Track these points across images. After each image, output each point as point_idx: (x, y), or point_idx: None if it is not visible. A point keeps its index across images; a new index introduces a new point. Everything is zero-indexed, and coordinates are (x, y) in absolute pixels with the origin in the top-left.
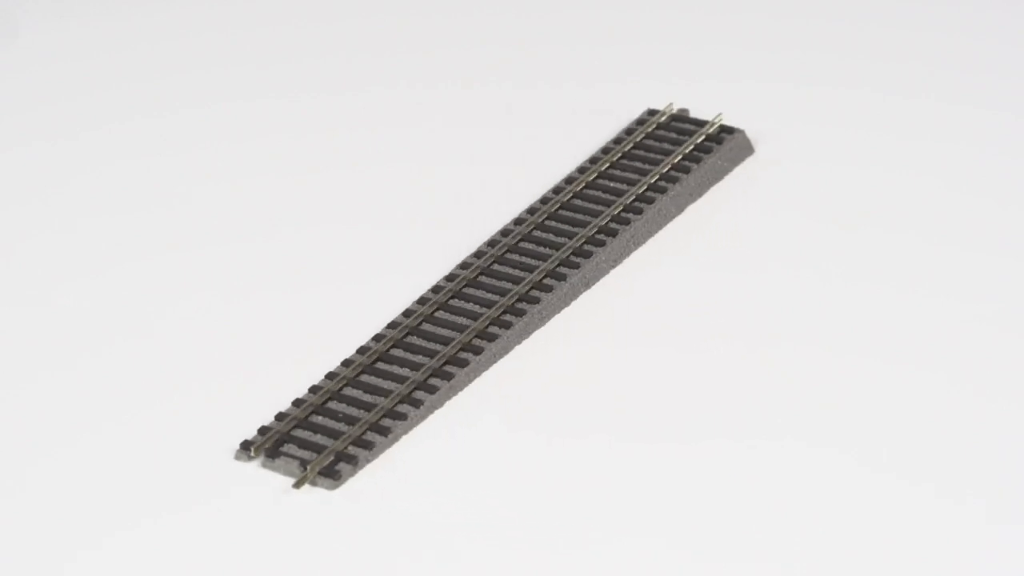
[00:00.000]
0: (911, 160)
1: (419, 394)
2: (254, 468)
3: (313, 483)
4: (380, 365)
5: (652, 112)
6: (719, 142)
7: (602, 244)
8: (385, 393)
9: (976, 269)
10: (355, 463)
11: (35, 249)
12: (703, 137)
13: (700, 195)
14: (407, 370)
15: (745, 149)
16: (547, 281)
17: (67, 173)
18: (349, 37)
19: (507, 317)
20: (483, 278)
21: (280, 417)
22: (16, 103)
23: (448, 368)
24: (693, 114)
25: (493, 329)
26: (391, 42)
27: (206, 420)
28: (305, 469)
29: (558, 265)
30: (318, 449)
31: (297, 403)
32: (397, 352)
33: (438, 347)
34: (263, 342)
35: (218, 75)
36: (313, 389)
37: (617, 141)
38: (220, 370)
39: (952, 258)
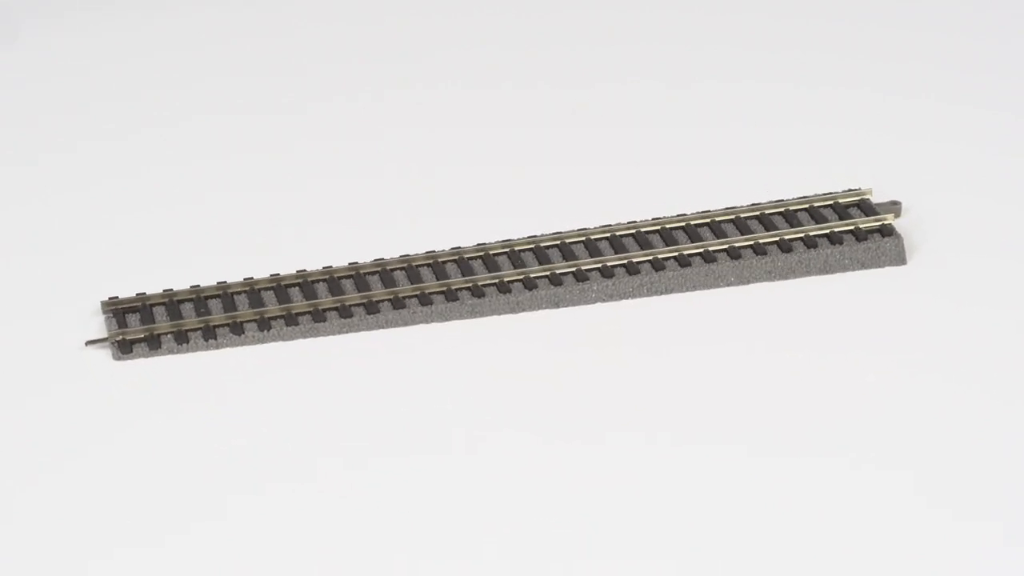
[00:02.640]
0: None
1: (276, 322)
2: (101, 322)
3: (111, 348)
4: (291, 291)
5: (852, 191)
6: (861, 239)
7: (609, 276)
8: (261, 306)
9: None
10: (156, 347)
11: (36, 256)
12: (848, 228)
13: (785, 278)
14: (302, 302)
15: (893, 257)
16: (513, 283)
17: (64, 175)
18: (351, 40)
19: (435, 296)
20: (474, 262)
21: (165, 292)
22: (15, 105)
23: (327, 313)
24: (911, 203)
25: (409, 300)
26: (393, 45)
27: None
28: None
29: (543, 276)
30: (148, 322)
31: (192, 288)
32: (319, 286)
33: (351, 297)
34: None
35: (221, 78)
36: (220, 284)
37: (777, 202)
38: None
39: None
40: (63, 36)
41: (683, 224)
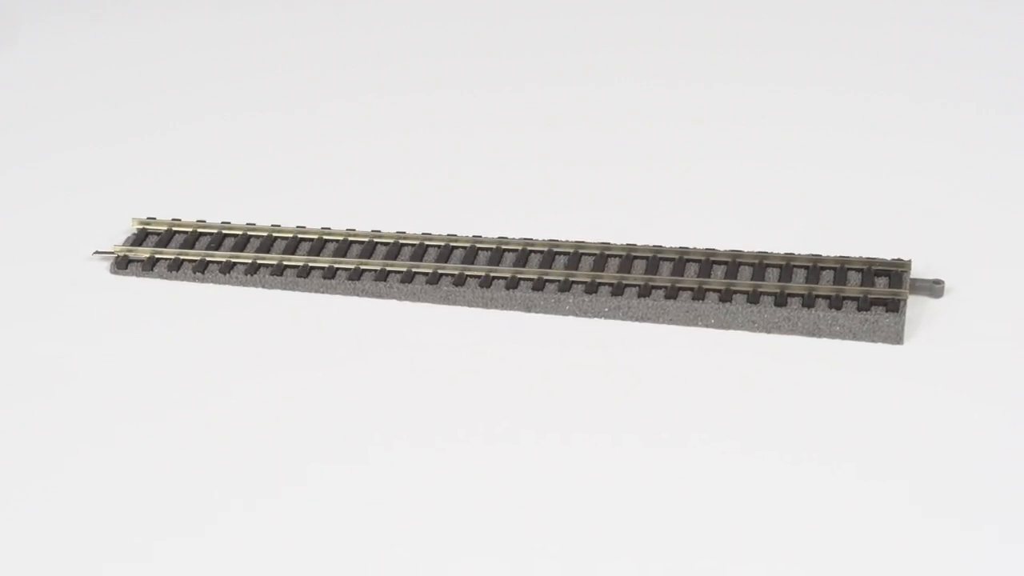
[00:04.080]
0: None
1: (262, 270)
2: (123, 236)
3: (111, 260)
4: (302, 245)
5: (895, 260)
6: (862, 308)
7: (592, 291)
8: (263, 251)
9: None
10: (148, 269)
11: (36, 263)
12: (855, 295)
13: (767, 332)
14: (300, 256)
15: (889, 334)
16: (495, 279)
17: (60, 176)
18: (355, 44)
19: (417, 276)
20: (481, 253)
21: (198, 221)
22: (14, 108)
23: (316, 270)
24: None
25: (391, 273)
26: (398, 49)
27: None
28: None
29: (527, 279)
30: (161, 247)
31: (225, 222)
32: (329, 245)
33: (343, 260)
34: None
35: (220, 79)
36: (248, 224)
37: (813, 255)
38: None
39: None
40: (63, 37)
41: (702, 259)
